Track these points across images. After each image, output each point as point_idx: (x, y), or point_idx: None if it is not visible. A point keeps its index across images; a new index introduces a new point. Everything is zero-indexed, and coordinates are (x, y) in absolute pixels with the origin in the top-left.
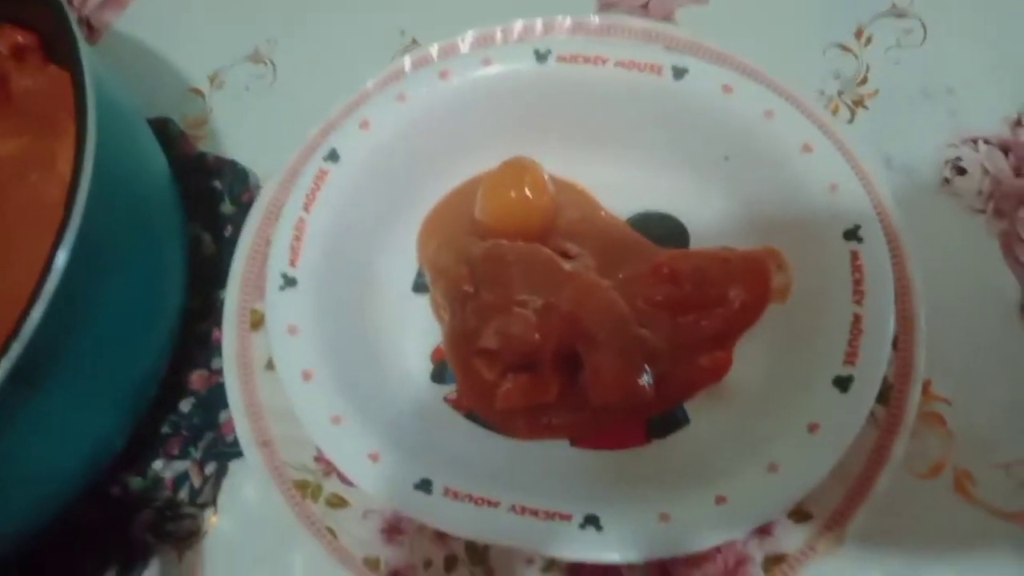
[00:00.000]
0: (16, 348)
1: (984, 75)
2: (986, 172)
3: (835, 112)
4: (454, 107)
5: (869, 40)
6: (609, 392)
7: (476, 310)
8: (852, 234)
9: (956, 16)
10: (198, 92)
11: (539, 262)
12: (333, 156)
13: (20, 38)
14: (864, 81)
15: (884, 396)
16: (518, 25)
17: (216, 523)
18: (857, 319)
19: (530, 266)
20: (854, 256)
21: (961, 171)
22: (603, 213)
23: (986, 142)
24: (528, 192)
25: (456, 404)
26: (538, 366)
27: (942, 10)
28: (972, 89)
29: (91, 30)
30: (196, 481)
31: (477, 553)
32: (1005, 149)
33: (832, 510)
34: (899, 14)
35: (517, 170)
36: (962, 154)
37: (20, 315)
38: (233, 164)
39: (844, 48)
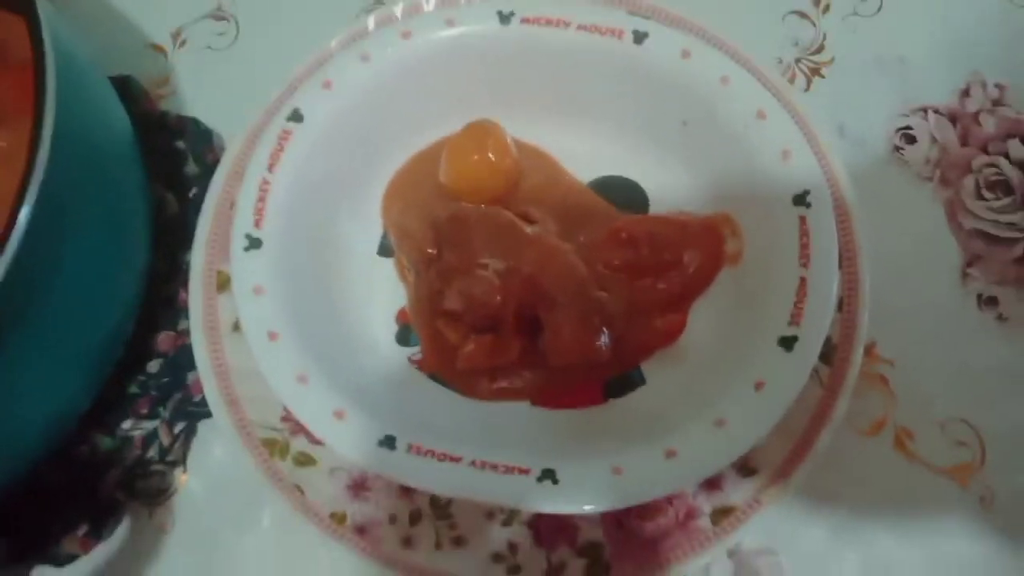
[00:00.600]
0: None
1: (935, 45)
2: (934, 141)
3: (792, 80)
4: (417, 68)
5: (827, 8)
6: (568, 353)
7: (439, 272)
8: (801, 199)
9: None
10: (160, 49)
11: (501, 225)
12: (296, 116)
13: None
14: (821, 49)
15: (828, 356)
16: None
17: (186, 481)
18: (803, 282)
19: (492, 229)
20: (802, 221)
21: (911, 140)
22: (565, 177)
23: (935, 112)
24: (491, 155)
25: (420, 365)
26: (500, 328)
27: None
28: (923, 59)
29: None
30: (165, 440)
31: (441, 508)
32: (953, 119)
33: (777, 465)
34: None
35: (480, 133)
36: (912, 123)
37: None
38: (196, 123)
39: (803, 15)
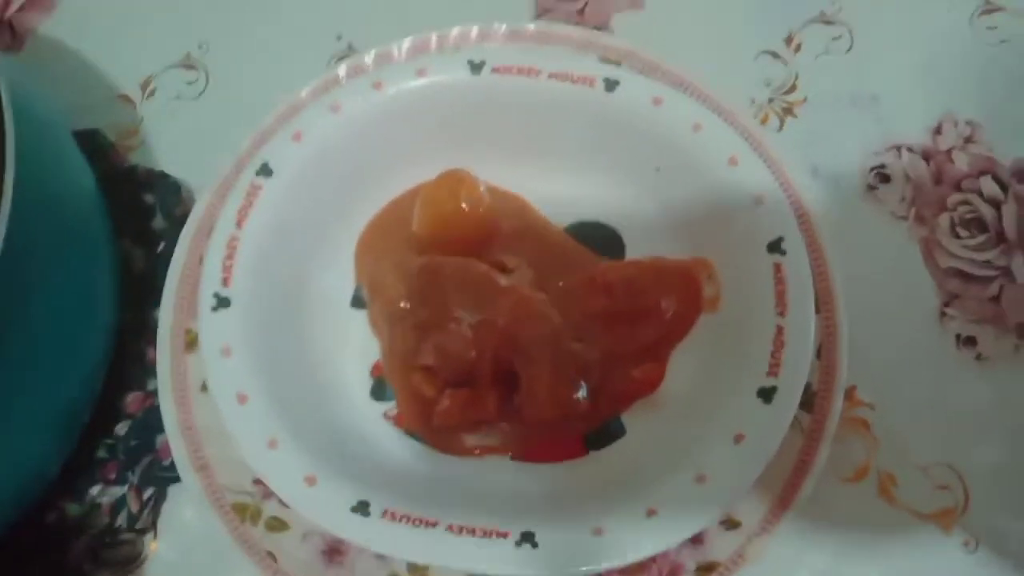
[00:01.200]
0: None
1: (907, 83)
2: (908, 179)
3: (764, 121)
4: (389, 118)
5: (799, 47)
6: (543, 407)
7: (413, 327)
8: (775, 246)
9: (882, 23)
10: (128, 100)
11: (474, 277)
12: (265, 170)
13: None
14: (793, 88)
15: (808, 403)
16: (454, 32)
17: (156, 548)
18: (779, 331)
19: (465, 281)
20: (777, 268)
21: (885, 178)
22: (541, 223)
23: (909, 150)
24: (464, 204)
25: (396, 421)
26: (476, 382)
27: (869, 17)
28: (896, 97)
29: (14, 35)
30: (134, 506)
31: (418, 572)
32: (927, 157)
33: (761, 517)
34: (828, 21)
35: (452, 182)
36: (886, 161)
37: None
38: (165, 177)
39: (775, 55)
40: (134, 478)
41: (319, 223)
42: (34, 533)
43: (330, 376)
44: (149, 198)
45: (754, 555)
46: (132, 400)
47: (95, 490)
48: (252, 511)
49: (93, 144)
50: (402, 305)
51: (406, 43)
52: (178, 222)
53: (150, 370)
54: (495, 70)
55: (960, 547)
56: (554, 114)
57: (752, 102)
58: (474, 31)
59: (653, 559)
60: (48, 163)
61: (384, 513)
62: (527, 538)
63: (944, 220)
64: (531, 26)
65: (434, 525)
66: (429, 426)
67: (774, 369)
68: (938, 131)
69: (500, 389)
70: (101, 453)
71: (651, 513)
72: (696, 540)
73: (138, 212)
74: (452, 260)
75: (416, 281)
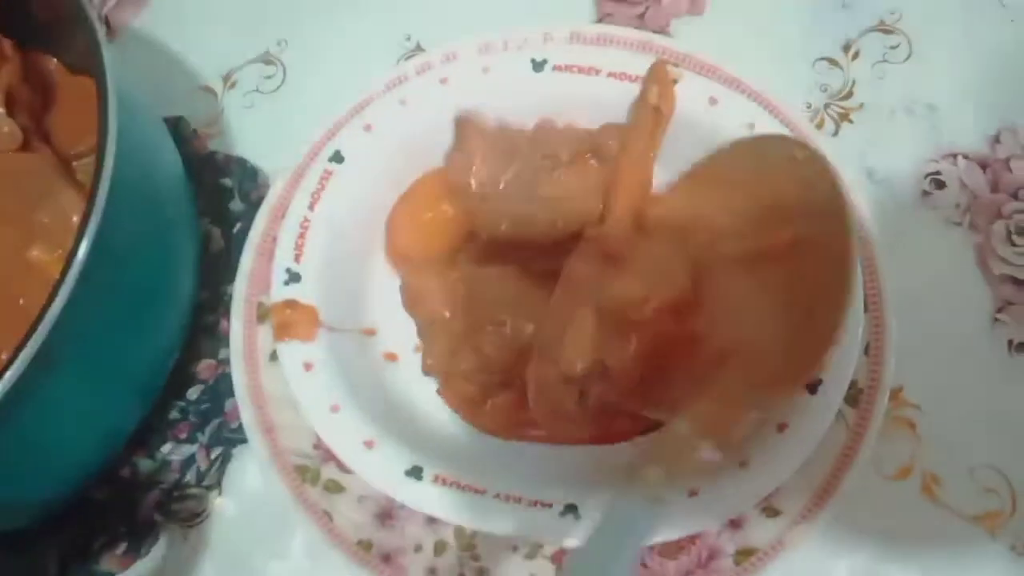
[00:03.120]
0: (39, 335)
1: (965, 93)
2: (964, 186)
3: (820, 125)
4: (453, 112)
5: (857, 55)
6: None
7: (453, 334)
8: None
9: (941, 34)
10: (211, 91)
11: (512, 286)
12: (338, 157)
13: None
14: (850, 95)
15: (855, 399)
16: (518, 33)
17: (220, 504)
18: None
19: (503, 290)
20: None
21: (940, 185)
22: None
23: (965, 157)
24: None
25: (446, 399)
26: (516, 384)
27: (928, 27)
28: (953, 106)
29: (110, 28)
30: (202, 464)
31: (465, 539)
32: (983, 165)
33: (801, 507)
34: (887, 30)
35: (409, 199)
36: (941, 168)
37: (44, 304)
38: (243, 162)
39: (832, 62)
40: (203, 438)
41: (384, 207)
42: (110, 485)
43: (387, 349)
44: (228, 182)
45: (793, 544)
46: (204, 367)
47: (167, 448)
48: (312, 473)
49: (178, 130)
50: (445, 314)
51: (472, 43)
52: (254, 204)
53: (222, 340)
54: (556, 68)
55: (1008, 551)
56: (612, 112)
57: (808, 107)
58: (537, 33)
59: (692, 540)
60: (142, 145)
61: (436, 478)
62: (570, 509)
63: (999, 227)
64: (592, 28)
65: (482, 492)
66: (474, 416)
67: None
68: (997, 140)
69: None
70: (174, 414)
71: (692, 494)
72: (736, 524)
73: (217, 194)
74: (491, 271)
75: (456, 291)
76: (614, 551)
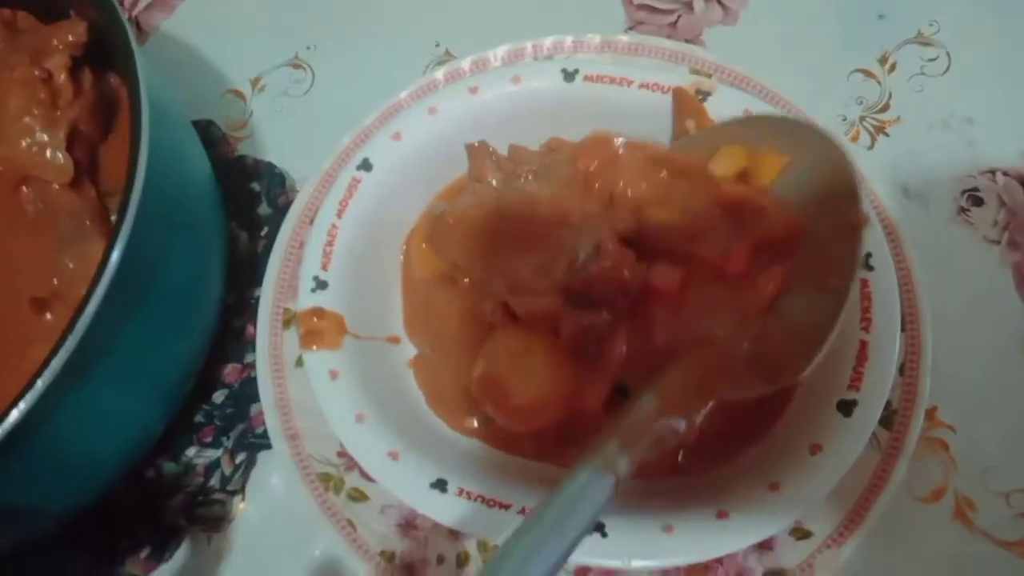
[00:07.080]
0: (70, 343)
1: (1005, 108)
2: (1002, 203)
3: (855, 138)
4: (483, 121)
5: (893, 67)
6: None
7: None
8: (863, 262)
9: (981, 48)
10: (239, 94)
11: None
12: (366, 165)
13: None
14: (886, 108)
15: (888, 420)
16: (548, 41)
17: (244, 510)
18: (863, 345)
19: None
20: (864, 284)
21: (978, 201)
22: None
23: (1004, 174)
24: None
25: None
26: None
27: (967, 41)
28: (992, 121)
29: (139, 31)
30: (227, 469)
31: (488, 551)
32: (1023, 181)
33: (832, 529)
34: (924, 42)
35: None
36: (979, 184)
37: (77, 307)
38: (271, 167)
39: (868, 74)
40: (228, 443)
41: (412, 216)
42: (135, 488)
43: (411, 357)
44: (256, 186)
45: (823, 566)
46: (230, 371)
47: (191, 452)
48: (336, 481)
49: (206, 134)
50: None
51: (502, 51)
52: (281, 210)
53: (248, 345)
54: (587, 78)
55: None
56: (643, 123)
57: (843, 119)
58: (568, 41)
59: (720, 562)
60: (172, 149)
61: (460, 492)
62: (597, 527)
63: None
64: (624, 37)
65: (507, 507)
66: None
67: (855, 383)
68: None
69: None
70: (199, 418)
71: (721, 515)
72: (765, 546)
73: (245, 199)
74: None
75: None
76: (561, 519)
